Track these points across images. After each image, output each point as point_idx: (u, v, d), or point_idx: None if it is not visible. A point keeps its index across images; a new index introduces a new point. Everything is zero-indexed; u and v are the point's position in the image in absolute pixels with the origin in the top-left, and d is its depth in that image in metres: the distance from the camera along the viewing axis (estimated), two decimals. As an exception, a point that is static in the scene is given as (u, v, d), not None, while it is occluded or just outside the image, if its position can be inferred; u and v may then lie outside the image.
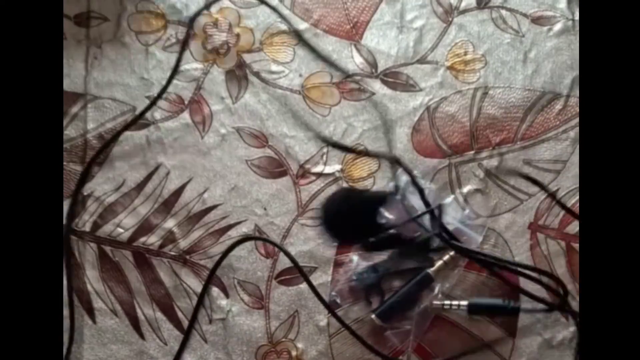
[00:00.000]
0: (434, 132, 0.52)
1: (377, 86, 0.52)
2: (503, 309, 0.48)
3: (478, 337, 0.49)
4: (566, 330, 0.49)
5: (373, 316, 0.48)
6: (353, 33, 0.53)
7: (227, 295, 0.49)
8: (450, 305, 0.48)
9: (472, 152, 0.51)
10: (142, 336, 0.49)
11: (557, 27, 0.53)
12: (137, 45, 0.52)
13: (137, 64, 0.51)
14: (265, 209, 0.50)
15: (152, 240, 0.49)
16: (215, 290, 0.49)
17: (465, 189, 0.51)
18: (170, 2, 0.52)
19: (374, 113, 0.51)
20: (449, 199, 0.50)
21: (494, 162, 0.51)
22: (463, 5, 0.54)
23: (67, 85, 0.51)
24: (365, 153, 0.51)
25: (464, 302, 0.48)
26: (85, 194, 0.50)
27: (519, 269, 0.48)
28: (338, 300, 0.49)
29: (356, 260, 0.49)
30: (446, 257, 0.49)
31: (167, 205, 0.50)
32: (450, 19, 0.53)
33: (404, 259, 0.49)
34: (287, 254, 0.48)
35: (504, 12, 0.54)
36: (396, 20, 0.53)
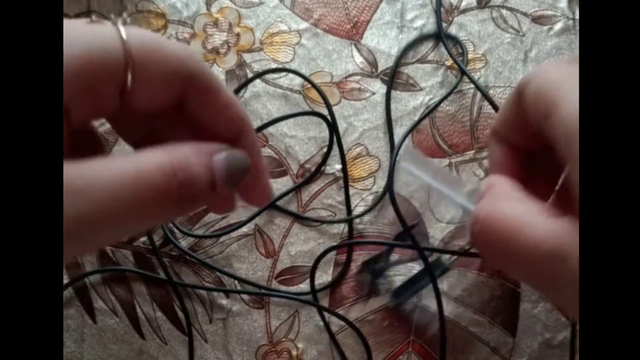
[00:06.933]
0: (434, 131, 0.51)
1: (377, 86, 0.52)
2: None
3: (478, 336, 0.49)
4: (567, 330, 0.49)
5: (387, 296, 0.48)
6: (353, 33, 0.53)
7: (227, 295, 0.49)
8: None
9: (473, 151, 0.51)
10: (142, 336, 0.49)
11: (558, 26, 0.53)
12: (137, 44, 0.52)
13: (137, 63, 0.51)
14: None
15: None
16: (215, 290, 0.49)
17: (466, 188, 0.51)
18: (171, 2, 0.52)
19: (375, 112, 0.51)
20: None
21: (494, 162, 0.51)
22: (463, 4, 0.53)
23: (67, 84, 0.51)
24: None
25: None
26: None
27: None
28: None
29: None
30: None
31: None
32: (450, 19, 0.53)
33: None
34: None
35: (504, 11, 0.53)
36: (396, 19, 0.53)
